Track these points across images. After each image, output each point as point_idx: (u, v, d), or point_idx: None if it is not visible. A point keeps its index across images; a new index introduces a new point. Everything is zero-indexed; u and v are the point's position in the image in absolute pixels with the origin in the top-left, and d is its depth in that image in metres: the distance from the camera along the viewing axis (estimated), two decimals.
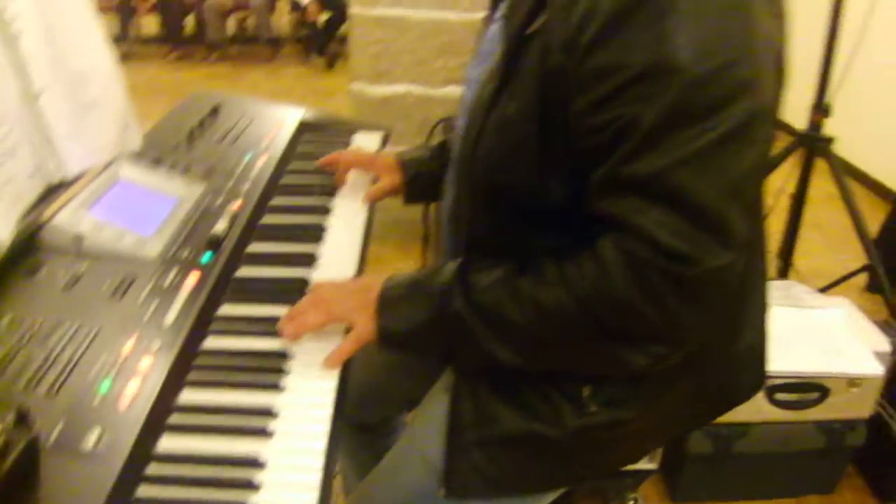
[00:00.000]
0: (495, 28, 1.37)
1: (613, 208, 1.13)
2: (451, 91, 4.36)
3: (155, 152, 1.76)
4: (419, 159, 1.84)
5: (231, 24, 10.31)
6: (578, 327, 1.18)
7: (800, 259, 3.91)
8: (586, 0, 1.10)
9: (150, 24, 10.36)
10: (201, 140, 1.90)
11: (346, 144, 2.14)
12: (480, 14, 4.03)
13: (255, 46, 10.18)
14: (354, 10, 4.44)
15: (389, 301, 1.34)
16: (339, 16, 9.05)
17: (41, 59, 1.48)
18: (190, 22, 10.13)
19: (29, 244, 1.37)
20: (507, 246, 1.33)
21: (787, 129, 3.59)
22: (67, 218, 1.42)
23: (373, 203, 1.84)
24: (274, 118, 2.13)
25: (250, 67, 9.59)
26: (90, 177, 1.56)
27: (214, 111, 2.06)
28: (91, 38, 1.67)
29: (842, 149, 3.64)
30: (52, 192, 1.48)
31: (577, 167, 1.18)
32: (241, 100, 2.20)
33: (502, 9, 1.35)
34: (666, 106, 1.06)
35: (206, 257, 1.44)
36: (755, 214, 1.25)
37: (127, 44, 9.93)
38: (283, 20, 10.57)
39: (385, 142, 2.17)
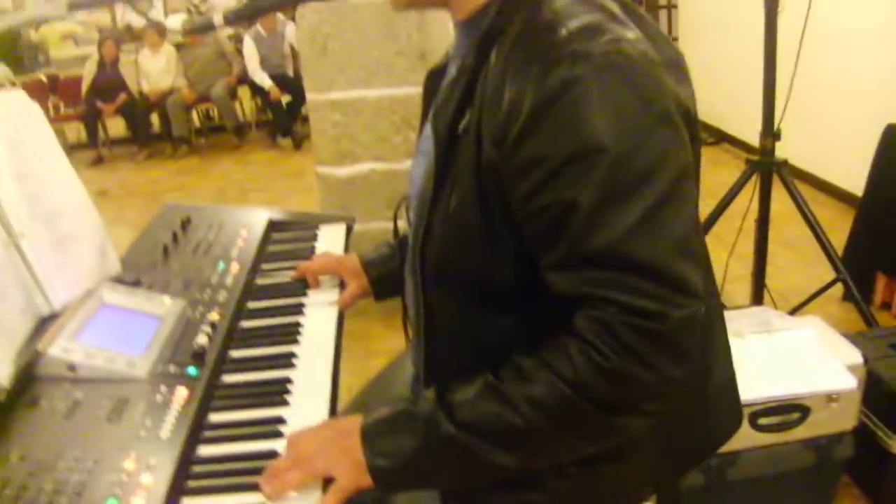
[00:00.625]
0: (426, 129, 1.49)
1: (577, 287, 1.22)
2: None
3: (134, 273, 1.85)
4: (382, 258, 1.96)
5: (195, 117, 10.47)
6: (578, 410, 1.23)
7: (775, 278, 4.00)
8: (510, 96, 1.22)
9: (116, 125, 10.52)
10: (176, 254, 2.01)
11: (314, 238, 2.25)
12: None
13: (222, 136, 10.34)
14: (310, 96, 4.58)
15: (374, 438, 1.36)
16: (300, 97, 9.22)
17: (18, 203, 1.59)
18: (155, 119, 10.28)
19: (26, 378, 1.46)
20: (465, 330, 1.42)
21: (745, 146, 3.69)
22: (59, 348, 1.51)
23: (346, 307, 1.93)
24: (242, 222, 2.23)
25: (219, 157, 9.74)
26: (76, 305, 1.65)
27: (185, 224, 2.17)
28: (61, 174, 1.79)
29: (804, 163, 3.78)
30: (42, 324, 1.59)
31: (524, 251, 1.29)
32: (209, 208, 2.30)
33: (432, 108, 1.47)
34: (598, 185, 1.17)
35: (192, 370, 1.54)
36: (703, 259, 1.36)
37: (96, 149, 10.07)
38: (246, 107, 10.73)
39: (349, 232, 2.27)
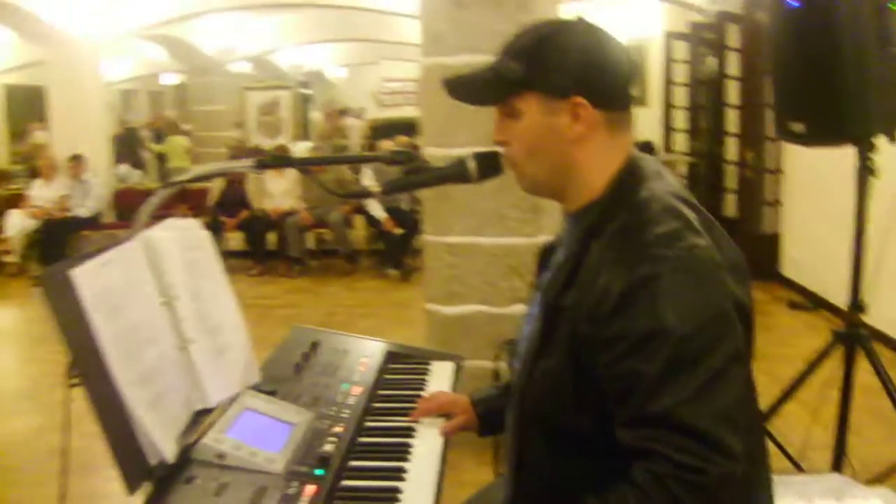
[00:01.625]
0: (537, 297, 1.83)
1: (637, 441, 1.55)
2: (518, 309, 4.75)
3: (271, 384, 2.18)
4: (490, 398, 2.24)
5: (311, 239, 10.98)
6: None
7: (861, 448, 4.07)
8: (603, 283, 1.59)
9: (235, 239, 11.07)
10: (306, 372, 2.34)
11: (425, 371, 2.55)
12: (543, 238, 4.48)
13: (335, 260, 10.80)
14: (428, 237, 4.95)
15: None
16: (412, 231, 9.64)
17: (190, 316, 1.94)
18: (272, 238, 10.81)
19: (184, 458, 1.78)
20: (550, 468, 1.75)
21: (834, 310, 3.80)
22: (212, 439, 1.83)
23: (448, 436, 2.21)
24: (364, 350, 2.56)
25: (330, 280, 10.17)
26: (226, 405, 1.98)
27: (314, 346, 2.50)
28: (223, 294, 2.15)
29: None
30: (196, 416, 1.92)
31: (603, 407, 1.61)
32: (335, 335, 2.63)
33: (542, 281, 1.83)
34: (663, 360, 1.52)
35: (319, 472, 1.83)
36: (751, 430, 1.66)
37: None
38: (359, 234, 11.20)
39: (457, 372, 2.57)
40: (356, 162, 10.46)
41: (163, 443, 1.71)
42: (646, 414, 1.52)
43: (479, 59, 4.45)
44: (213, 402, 1.95)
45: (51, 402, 6.44)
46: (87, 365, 1.64)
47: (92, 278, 1.68)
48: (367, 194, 2.00)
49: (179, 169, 15.84)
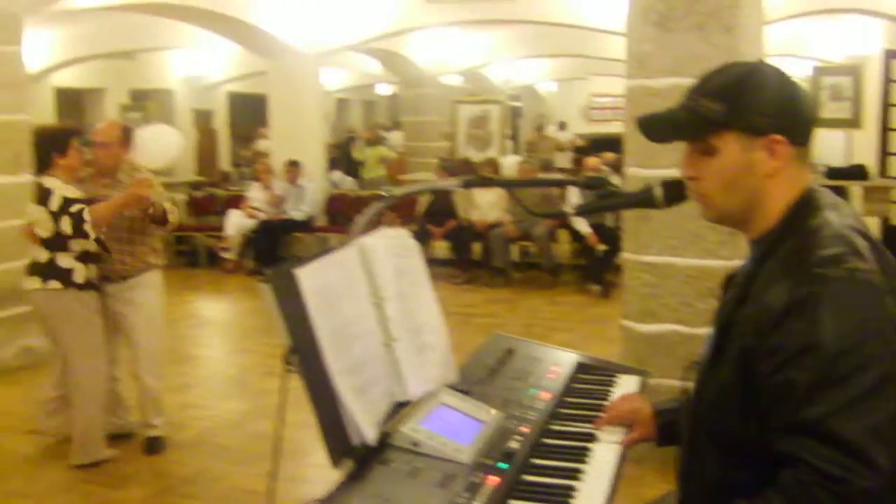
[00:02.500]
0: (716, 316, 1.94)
1: (786, 446, 1.66)
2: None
3: (466, 384, 2.36)
4: (671, 410, 2.35)
5: (515, 251, 11.19)
6: None
7: None
8: (769, 298, 1.73)
9: (441, 248, 11.39)
10: (500, 376, 2.51)
11: (611, 384, 2.68)
12: (739, 262, 4.53)
13: (537, 273, 10.97)
14: (627, 255, 5.06)
15: None
16: (616, 248, 9.69)
17: (397, 316, 2.15)
18: (477, 248, 11.07)
19: (383, 443, 1.98)
20: (714, 476, 1.90)
21: None
22: (409, 428, 2.03)
23: (627, 446, 2.34)
24: (555, 359, 2.72)
25: (531, 293, 10.35)
26: (423, 399, 2.17)
27: (509, 352, 2.67)
28: (426, 297, 2.35)
29: None
30: (396, 407, 2.12)
31: (766, 416, 1.73)
32: (530, 343, 2.80)
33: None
34: (816, 372, 1.63)
35: (502, 465, 2.00)
36: None
37: None
38: (563, 249, 11.33)
39: (643, 387, 2.68)
40: (555, 185, 10.61)
41: (365, 427, 1.92)
42: (797, 422, 1.63)
43: (683, 82, 4.57)
44: (412, 395, 2.15)
45: (259, 389, 6.89)
46: (305, 353, 1.86)
47: (314, 278, 1.91)
48: (561, 215, 2.17)
49: (373, 179, 16.40)
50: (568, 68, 22.71)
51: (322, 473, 5.32)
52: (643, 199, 2.16)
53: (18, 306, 7.67)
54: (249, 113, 20.56)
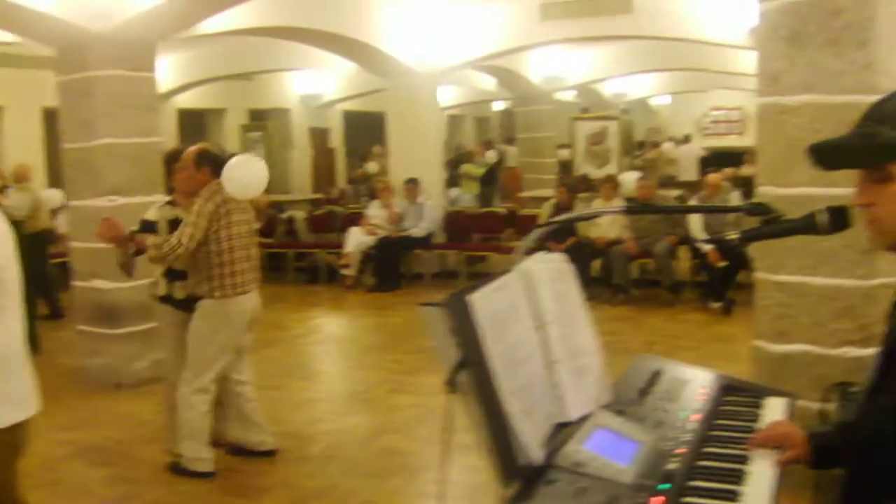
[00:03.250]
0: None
1: None
2: (845, 352, 4.75)
3: (618, 405, 2.41)
4: (826, 435, 2.35)
5: (634, 268, 11.15)
6: None
7: None
8: None
9: None
10: (650, 397, 2.54)
11: (758, 405, 2.69)
12: (876, 281, 4.47)
13: (657, 290, 10.91)
14: (759, 274, 5.03)
15: None
16: (737, 264, 9.60)
17: (557, 339, 2.21)
18: (596, 265, 11.06)
19: (547, 464, 2.03)
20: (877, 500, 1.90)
21: None
22: (572, 449, 2.08)
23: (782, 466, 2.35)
24: (701, 381, 2.74)
25: (651, 310, 10.31)
26: (583, 420, 2.22)
27: (657, 374, 2.70)
28: (584, 323, 2.41)
29: None
30: (557, 428, 2.17)
31: None
32: (675, 365, 2.83)
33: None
34: None
35: (664, 486, 2.04)
36: None
37: None
38: (683, 266, 11.24)
39: (791, 409, 2.69)
40: (717, 212, 10.53)
41: (532, 447, 1.98)
42: None
43: (817, 99, 4.53)
44: (572, 416, 2.21)
45: (386, 406, 7.02)
46: (477, 376, 1.93)
47: (485, 303, 1.98)
48: (724, 241, 2.21)
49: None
50: (684, 81, 22.52)
51: (449, 489, 5.42)
52: (807, 226, 2.16)
53: (149, 321, 7.98)
54: (364, 131, 20.93)
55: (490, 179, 19.05)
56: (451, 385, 1.96)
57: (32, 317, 9.37)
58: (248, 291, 5.69)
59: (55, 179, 14.54)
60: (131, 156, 8.06)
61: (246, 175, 5.54)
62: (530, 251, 2.40)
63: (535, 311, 2.22)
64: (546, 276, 2.29)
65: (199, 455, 5.67)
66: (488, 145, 21.16)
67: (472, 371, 1.92)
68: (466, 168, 18.19)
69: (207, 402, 5.66)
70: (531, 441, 1.99)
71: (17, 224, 9.10)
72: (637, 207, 3.07)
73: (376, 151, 18.73)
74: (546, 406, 2.16)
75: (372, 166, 18.50)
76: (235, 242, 5.61)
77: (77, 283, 8.50)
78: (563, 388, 2.21)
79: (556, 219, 2.54)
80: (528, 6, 12.28)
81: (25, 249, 9.75)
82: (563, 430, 2.17)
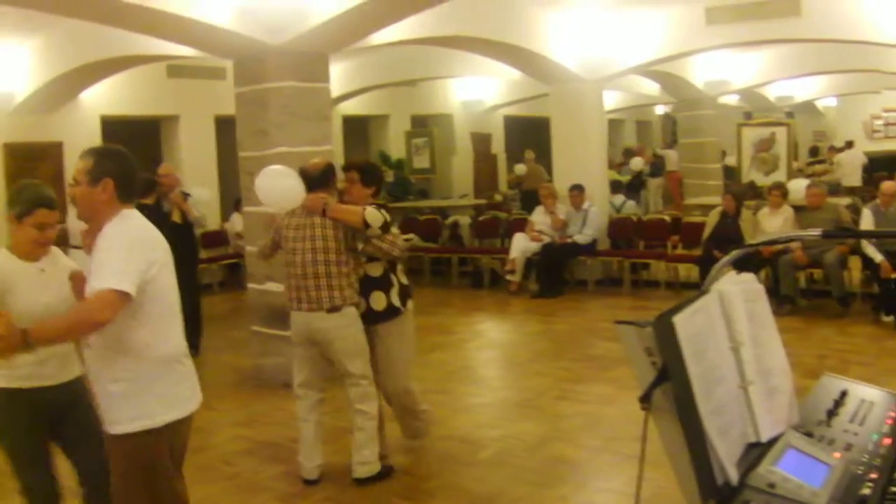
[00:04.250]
0: None
1: None
2: None
3: (806, 426, 2.43)
4: None
5: (801, 278, 10.91)
6: None
7: None
8: None
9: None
10: (837, 419, 2.55)
11: None
12: None
13: (825, 301, 10.65)
14: None
15: None
16: None
17: (750, 360, 2.26)
18: (763, 275, 10.85)
19: (740, 484, 2.08)
20: None
21: None
22: (765, 469, 2.12)
23: None
24: (889, 403, 2.72)
25: (820, 322, 10.06)
26: (774, 441, 2.26)
27: (843, 395, 2.70)
28: (775, 343, 2.44)
29: None
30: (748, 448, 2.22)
31: None
32: (860, 386, 2.82)
33: None
34: None
35: None
36: None
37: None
38: (853, 276, 10.94)
39: None
40: None
41: (728, 467, 2.04)
42: None
43: None
44: (764, 437, 2.25)
45: (553, 413, 7.08)
46: (679, 394, 2.00)
47: (687, 325, 2.05)
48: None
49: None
50: (854, 82, 21.77)
51: (615, 499, 5.46)
52: None
53: None
54: (525, 135, 21.03)
55: (636, 187, 18.90)
56: (646, 402, 2.04)
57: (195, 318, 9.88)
58: (297, 309, 5.80)
59: (226, 185, 15.18)
60: (304, 164, 8.34)
61: (263, 187, 5.77)
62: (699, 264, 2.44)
63: (729, 332, 2.27)
64: (740, 296, 2.34)
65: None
66: (629, 154, 20.99)
67: (674, 390, 1.99)
68: (612, 175, 18.12)
69: (301, 408, 5.91)
70: (728, 460, 2.05)
71: (190, 228, 9.63)
72: (833, 233, 2.97)
73: (528, 156, 18.84)
74: (739, 426, 2.21)
75: (520, 168, 18.61)
76: (287, 257, 5.80)
77: (252, 286, 8.86)
78: (756, 408, 2.25)
79: (756, 242, 2.57)
80: (693, 10, 12.14)
81: (195, 253, 10.30)
82: (753, 451, 2.22)
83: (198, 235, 10.54)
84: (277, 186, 5.75)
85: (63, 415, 4.30)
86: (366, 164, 6.29)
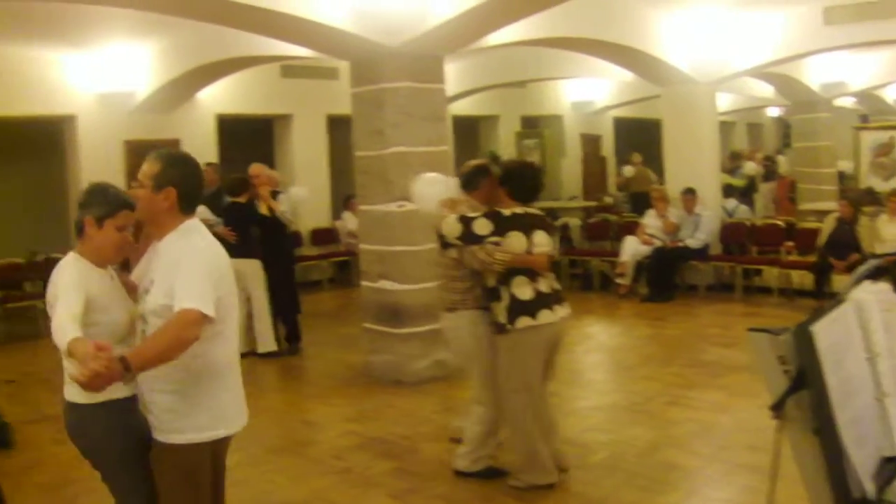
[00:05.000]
0: None
1: None
2: None
3: None
4: None
5: None
6: None
7: None
8: None
9: (842, 280, 10.97)
10: None
11: None
12: None
13: None
14: None
15: None
16: None
17: (887, 373, 2.20)
18: None
19: (877, 499, 2.04)
20: None
21: None
22: None
23: None
24: None
25: None
26: None
27: None
28: None
29: None
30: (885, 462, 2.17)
31: None
32: None
33: None
34: None
35: None
36: None
37: (820, 300, 10.58)
38: None
39: None
40: None
41: (865, 480, 1.99)
42: None
43: None
44: None
45: (664, 419, 7.00)
46: (816, 404, 1.96)
47: (825, 334, 2.01)
48: None
49: None
50: None
51: None
52: None
53: (431, 323, 8.32)
54: (633, 138, 20.84)
55: (748, 191, 18.52)
56: (778, 411, 2.01)
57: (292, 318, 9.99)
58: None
59: (336, 183, 15.38)
60: (420, 164, 8.39)
61: (424, 190, 5.82)
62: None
63: (866, 342, 2.22)
64: (875, 306, 2.29)
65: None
66: (735, 157, 20.54)
67: (811, 400, 1.95)
68: (725, 179, 17.79)
69: None
70: (864, 473, 2.01)
71: (283, 227, 9.85)
72: None
73: (634, 159, 18.65)
74: (875, 439, 2.16)
75: (628, 170, 18.42)
76: None
77: (365, 284, 8.95)
78: (892, 420, 2.20)
79: (881, 254, 2.50)
80: (811, 11, 11.87)
81: (288, 250, 10.50)
82: (888, 465, 2.17)
83: (290, 233, 10.67)
84: (423, 194, 5.88)
85: None
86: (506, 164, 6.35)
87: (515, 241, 5.46)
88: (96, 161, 12.70)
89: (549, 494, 5.63)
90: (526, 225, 5.54)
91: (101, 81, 12.52)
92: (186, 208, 3.59)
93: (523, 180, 5.72)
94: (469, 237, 5.43)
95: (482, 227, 5.41)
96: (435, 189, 5.80)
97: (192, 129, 13.62)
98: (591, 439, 6.64)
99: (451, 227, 5.43)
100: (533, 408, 5.62)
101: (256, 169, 10.12)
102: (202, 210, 10.92)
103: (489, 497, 5.62)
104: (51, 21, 10.34)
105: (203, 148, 13.52)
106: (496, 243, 5.43)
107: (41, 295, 12.15)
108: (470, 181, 5.84)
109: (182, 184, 3.55)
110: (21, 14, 9.91)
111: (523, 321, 5.48)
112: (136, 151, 12.88)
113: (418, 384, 8.37)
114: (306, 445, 6.93)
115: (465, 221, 5.42)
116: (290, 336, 10.11)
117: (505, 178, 5.73)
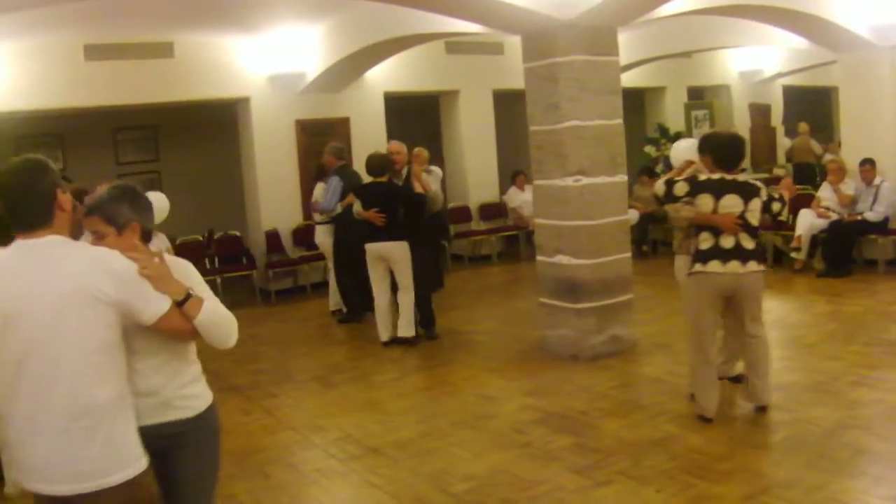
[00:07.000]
0: None
1: None
2: None
3: None
4: None
5: None
6: None
7: None
8: None
9: None
10: None
11: None
12: None
13: None
14: None
15: None
16: None
17: None
18: None
19: None
20: None
21: None
22: None
23: None
24: None
25: None
26: None
27: None
28: None
29: None
30: None
31: None
32: None
33: None
34: None
35: None
36: None
37: None
38: None
39: None
40: None
41: None
42: None
43: None
44: None
45: (850, 399, 6.80)
46: None
47: None
48: None
49: None
50: None
51: None
52: None
53: (608, 298, 8.29)
54: (804, 107, 20.20)
55: None
56: None
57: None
58: None
59: (503, 158, 15.41)
60: (595, 137, 8.36)
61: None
62: None
63: None
64: None
65: None
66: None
67: None
68: None
69: None
70: None
71: (425, 205, 9.67)
72: None
73: (801, 129, 18.02)
74: None
75: (789, 142, 17.82)
76: None
77: (540, 258, 8.96)
78: None
79: None
80: None
81: (431, 228, 10.36)
82: None
83: (437, 212, 10.48)
84: (676, 155, 7.42)
85: None
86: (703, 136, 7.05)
87: (703, 202, 6.38)
88: (270, 140, 13.12)
89: (734, 473, 5.54)
90: (717, 189, 6.34)
91: (273, 63, 12.88)
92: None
93: (723, 149, 6.51)
94: (669, 197, 6.53)
95: (680, 189, 6.46)
96: (681, 152, 7.32)
97: (361, 107, 13.85)
98: (772, 419, 6.53)
99: (658, 188, 6.62)
100: (698, 345, 6.55)
101: (396, 146, 9.98)
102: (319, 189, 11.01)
103: (672, 476, 5.59)
104: (224, 6, 10.66)
105: (372, 126, 13.76)
106: (689, 203, 6.49)
107: (221, 270, 12.69)
108: (701, 148, 6.73)
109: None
110: (197, 2, 10.26)
111: (696, 267, 6.46)
112: (308, 130, 13.26)
113: (595, 359, 8.38)
114: (486, 419, 7.01)
115: (668, 184, 6.52)
116: (425, 321, 9.87)
117: (707, 147, 6.63)
